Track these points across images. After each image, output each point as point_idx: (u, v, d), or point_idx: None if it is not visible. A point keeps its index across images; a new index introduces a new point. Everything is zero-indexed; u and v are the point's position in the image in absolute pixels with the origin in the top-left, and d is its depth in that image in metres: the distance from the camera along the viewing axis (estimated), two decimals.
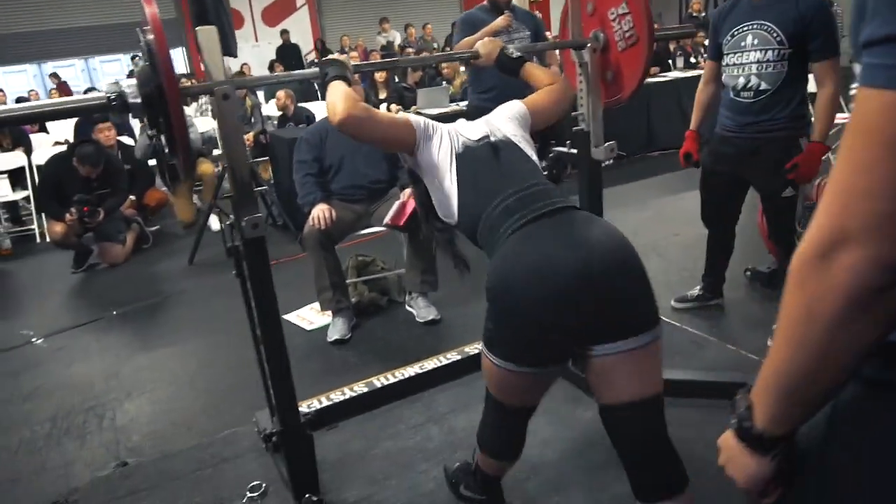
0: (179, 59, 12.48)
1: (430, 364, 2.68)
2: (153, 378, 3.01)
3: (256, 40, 12.57)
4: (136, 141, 5.46)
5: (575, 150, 2.22)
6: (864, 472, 0.72)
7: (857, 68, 0.60)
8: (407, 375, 2.62)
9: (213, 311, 3.76)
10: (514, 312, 1.34)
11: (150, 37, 1.39)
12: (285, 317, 3.50)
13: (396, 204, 3.16)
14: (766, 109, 2.50)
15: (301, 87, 7.33)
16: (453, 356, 2.67)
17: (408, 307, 3.41)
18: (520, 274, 1.32)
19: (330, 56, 1.72)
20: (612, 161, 2.22)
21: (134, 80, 1.48)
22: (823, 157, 2.49)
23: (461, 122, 1.68)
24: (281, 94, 6.40)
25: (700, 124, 2.89)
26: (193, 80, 8.45)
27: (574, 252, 1.31)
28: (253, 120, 6.44)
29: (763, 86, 2.48)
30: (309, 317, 3.47)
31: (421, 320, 3.26)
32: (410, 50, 9.95)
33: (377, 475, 2.13)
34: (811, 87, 2.52)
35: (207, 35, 1.52)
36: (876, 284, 0.58)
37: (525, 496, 1.99)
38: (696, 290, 3.09)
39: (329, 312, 3.24)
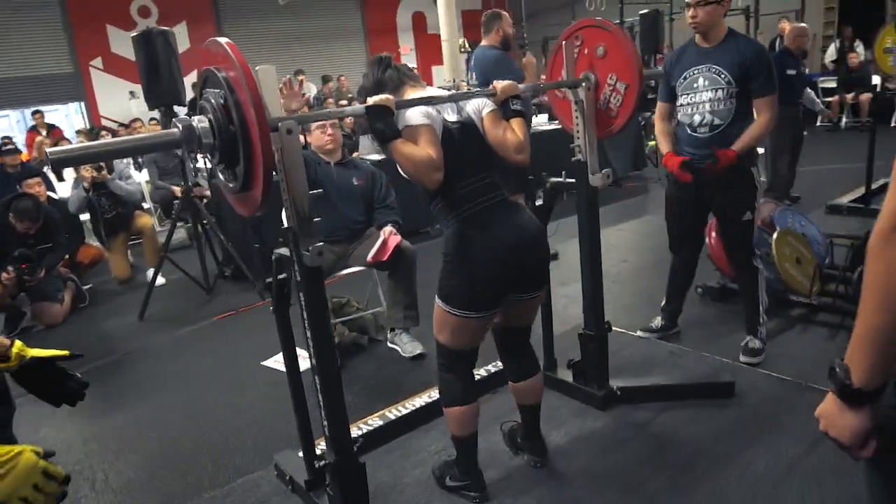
0: (77, 114, 11.95)
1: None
2: (139, 435, 2.87)
3: None
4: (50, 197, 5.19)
5: (572, 180, 2.42)
6: None
7: None
8: (417, 405, 2.68)
9: (182, 365, 3.63)
10: (475, 270, 1.89)
11: (232, 73, 1.45)
12: (265, 363, 3.46)
13: (378, 241, 3.24)
14: (721, 142, 2.82)
15: None
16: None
17: (390, 344, 3.46)
18: (479, 244, 1.89)
19: (371, 101, 1.79)
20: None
21: (200, 117, 1.52)
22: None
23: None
24: None
25: (672, 146, 3.07)
26: (105, 132, 8.14)
27: (513, 232, 1.92)
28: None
29: (716, 121, 2.81)
30: None
31: (407, 355, 3.32)
32: (330, 101, 10.07)
33: (418, 501, 2.16)
34: None
35: (266, 73, 1.57)
36: None
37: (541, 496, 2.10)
38: (657, 321, 3.30)
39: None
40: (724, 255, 3.39)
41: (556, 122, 6.65)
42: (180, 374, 3.50)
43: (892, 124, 4.88)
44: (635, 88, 2.26)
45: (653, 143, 7.82)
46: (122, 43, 11.97)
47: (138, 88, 12.37)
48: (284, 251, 1.90)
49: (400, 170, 1.89)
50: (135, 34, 4.27)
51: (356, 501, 1.89)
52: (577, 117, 2.33)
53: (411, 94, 1.96)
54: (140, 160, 6.52)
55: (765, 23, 10.21)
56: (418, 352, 3.31)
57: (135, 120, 9.51)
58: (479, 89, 2.04)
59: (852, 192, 5.16)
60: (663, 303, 3.32)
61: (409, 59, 15.52)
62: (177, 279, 4.71)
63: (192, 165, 4.97)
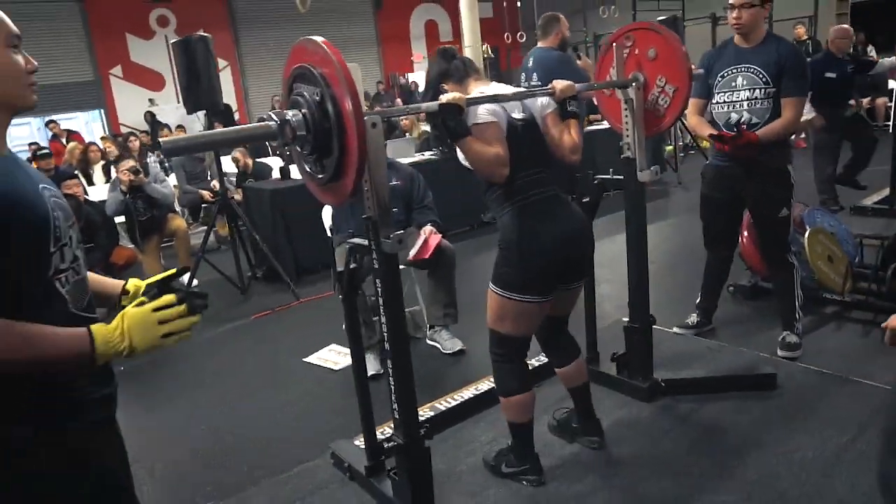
0: (97, 122, 12.12)
1: (484, 385, 2.83)
2: (186, 428, 2.94)
3: (178, 101, 12.41)
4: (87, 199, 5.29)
5: (620, 177, 2.49)
6: None
7: None
8: (466, 397, 2.75)
9: (222, 362, 3.71)
10: (533, 257, 1.99)
11: (327, 70, 1.53)
12: (307, 360, 3.53)
13: (420, 240, 3.31)
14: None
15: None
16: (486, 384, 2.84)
17: (429, 341, 3.53)
18: (537, 233, 2.00)
19: (444, 98, 1.88)
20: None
21: (294, 111, 1.60)
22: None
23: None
24: (237, 153, 6.45)
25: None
26: (134, 138, 8.27)
27: (563, 224, 2.04)
28: (210, 176, 6.40)
29: (754, 120, 2.88)
30: (332, 358, 3.51)
31: (447, 352, 3.39)
32: None
33: (475, 488, 2.23)
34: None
35: (354, 71, 1.65)
36: None
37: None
38: (693, 318, 3.36)
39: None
40: (755, 253, 3.47)
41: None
42: (221, 371, 3.58)
43: None
44: (684, 91, 2.35)
45: (670, 147, 7.91)
46: (141, 51, 12.19)
47: (157, 96, 12.62)
48: (359, 241, 1.98)
49: (464, 162, 1.98)
50: (175, 40, 4.37)
51: (422, 483, 1.96)
52: (626, 116, 2.41)
53: (475, 85, 2.05)
54: (168, 164, 6.62)
55: (778, 29, 10.29)
56: (458, 348, 3.38)
57: (163, 127, 9.66)
58: (540, 88, 2.12)
59: (876, 194, 5.22)
60: (698, 300, 3.38)
61: (421, 66, 15.67)
62: (209, 280, 4.79)
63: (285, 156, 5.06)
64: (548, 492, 2.17)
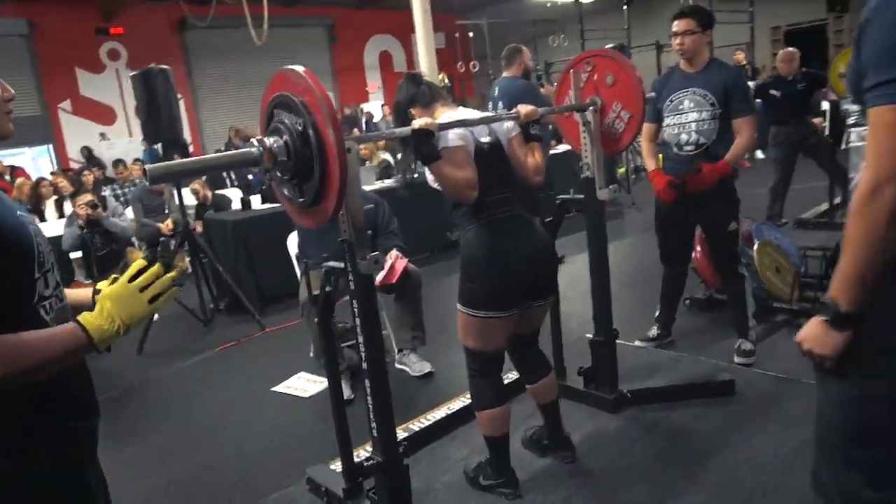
0: (44, 157, 11.83)
1: (456, 404, 2.88)
2: (159, 462, 2.90)
3: (131, 135, 12.25)
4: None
5: (580, 196, 2.61)
6: None
7: (853, 107, 1.12)
8: (438, 417, 2.79)
9: (190, 395, 3.67)
10: (496, 274, 2.06)
11: (308, 98, 1.59)
12: (276, 389, 3.52)
13: (386, 265, 3.36)
14: (705, 160, 3.05)
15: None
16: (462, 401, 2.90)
17: (398, 365, 3.56)
18: (500, 251, 2.07)
19: (416, 124, 1.95)
20: None
21: (275, 138, 1.65)
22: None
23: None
24: (197, 184, 6.41)
25: (656, 164, 3.31)
26: (87, 172, 8.12)
27: (526, 243, 2.11)
28: (168, 209, 6.33)
29: (702, 140, 3.04)
30: (301, 385, 3.51)
31: (417, 374, 3.43)
32: None
33: (453, 502, 2.27)
34: None
35: (330, 101, 1.72)
36: None
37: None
38: (654, 331, 3.49)
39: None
40: (708, 267, 3.63)
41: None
42: (190, 404, 3.54)
43: (842, 146, 5.30)
44: (637, 119, 2.48)
45: (622, 169, 8.17)
46: (91, 85, 12.01)
47: (108, 130, 12.40)
48: (334, 264, 2.02)
49: (433, 184, 2.06)
50: (134, 73, 4.37)
51: (402, 501, 1.98)
52: (584, 137, 2.53)
53: (442, 110, 2.14)
54: (124, 199, 6.53)
55: (718, 54, 10.80)
56: (427, 370, 3.42)
57: (118, 161, 9.52)
58: (505, 113, 2.22)
59: (816, 208, 5.51)
60: (657, 313, 3.51)
61: (376, 96, 15.85)
62: (171, 313, 4.72)
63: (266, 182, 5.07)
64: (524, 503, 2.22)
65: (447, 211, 2.21)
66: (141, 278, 1.17)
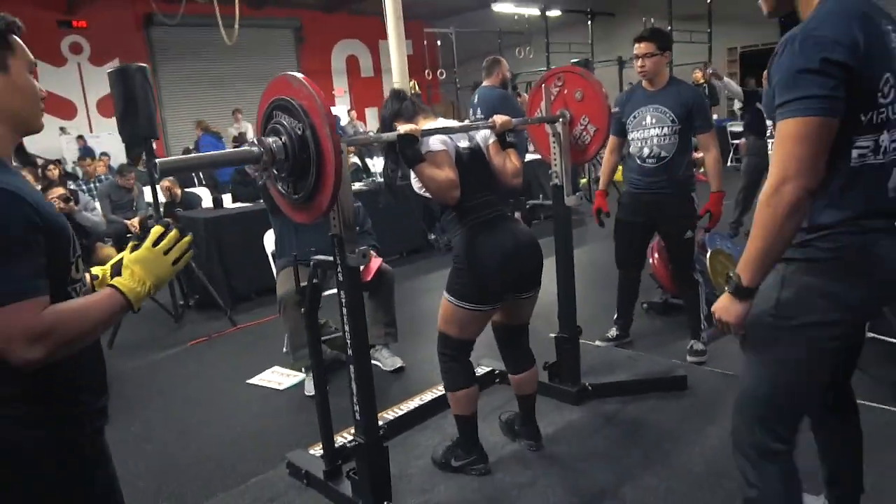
0: None
1: (428, 396, 3.03)
2: (136, 449, 2.96)
3: (91, 131, 12.05)
4: None
5: (549, 202, 2.79)
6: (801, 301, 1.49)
7: (769, 122, 1.44)
8: (412, 407, 2.93)
9: (164, 387, 3.72)
10: (482, 269, 2.23)
11: (307, 102, 1.72)
12: (251, 381, 3.60)
13: None
14: (664, 171, 3.28)
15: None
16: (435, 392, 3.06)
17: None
18: (485, 248, 2.23)
19: (402, 129, 2.12)
20: None
21: (275, 138, 1.78)
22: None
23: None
24: (167, 181, 6.42)
25: (605, 185, 3.62)
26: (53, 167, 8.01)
27: (512, 239, 2.26)
28: (136, 206, 6.33)
29: (663, 153, 3.27)
30: (275, 379, 3.60)
31: (389, 369, 3.56)
32: None
33: (425, 486, 2.41)
34: None
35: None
36: (801, 198, 1.35)
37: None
38: (613, 332, 3.71)
39: (302, 369, 3.43)
40: (665, 272, 3.87)
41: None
42: (165, 395, 3.59)
43: None
44: (603, 132, 2.69)
45: (584, 180, 8.45)
46: (52, 79, 11.75)
47: (69, 125, 12.17)
48: (322, 257, 2.15)
49: (418, 190, 2.22)
50: (110, 70, 4.39)
51: (382, 481, 2.12)
52: (554, 147, 2.71)
53: (424, 122, 2.30)
54: (93, 193, 6.49)
55: (678, 73, 11.24)
56: (399, 365, 3.56)
57: (82, 158, 9.40)
58: (482, 121, 2.39)
59: None
60: (616, 316, 3.72)
61: (343, 100, 15.90)
62: (142, 308, 4.74)
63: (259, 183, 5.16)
64: (493, 483, 2.38)
65: (417, 216, 2.38)
66: (164, 242, 1.30)
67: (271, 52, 14.31)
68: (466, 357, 2.41)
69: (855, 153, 1.43)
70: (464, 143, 2.30)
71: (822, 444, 1.86)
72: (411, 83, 7.94)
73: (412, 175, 2.24)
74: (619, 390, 2.96)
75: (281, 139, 1.77)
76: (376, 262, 3.53)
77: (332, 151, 1.70)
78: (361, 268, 3.42)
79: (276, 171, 1.84)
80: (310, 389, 3.32)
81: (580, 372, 2.95)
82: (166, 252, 1.32)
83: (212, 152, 1.98)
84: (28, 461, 1.23)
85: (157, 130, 4.39)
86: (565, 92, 2.73)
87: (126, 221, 6.14)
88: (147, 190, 7.15)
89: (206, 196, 6.36)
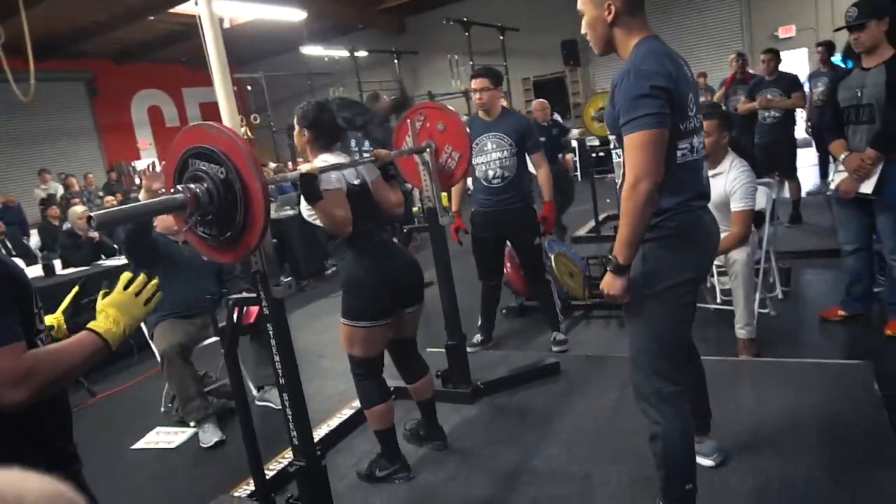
0: None
1: (335, 421, 3.16)
2: None
3: None
4: None
5: (426, 224, 3.10)
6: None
7: (612, 136, 1.97)
8: (322, 435, 3.05)
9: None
10: (374, 289, 2.46)
11: (229, 150, 1.86)
12: (136, 447, 3.45)
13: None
14: (509, 189, 3.74)
15: None
16: (347, 412, 3.21)
17: (259, 402, 3.70)
18: (379, 268, 2.47)
19: (302, 169, 2.29)
20: None
21: (197, 184, 1.88)
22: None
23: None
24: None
25: (458, 207, 4.01)
26: None
27: (394, 262, 2.54)
28: None
29: (506, 174, 3.73)
30: (163, 439, 3.48)
31: (280, 408, 3.59)
32: (77, 200, 9.47)
33: (361, 500, 2.56)
34: None
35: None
36: (653, 191, 1.77)
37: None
38: (478, 338, 4.08)
39: (192, 423, 3.37)
40: (518, 279, 4.35)
41: None
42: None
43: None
44: (466, 157, 3.05)
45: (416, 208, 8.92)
46: None
47: None
48: (239, 295, 2.24)
49: (308, 218, 2.43)
50: None
51: (325, 501, 2.24)
52: (424, 175, 3.02)
53: (321, 155, 2.49)
54: None
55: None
56: None
57: None
58: (367, 157, 2.63)
59: (585, 226, 6.67)
60: (479, 322, 4.10)
61: (149, 153, 15.06)
62: None
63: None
64: (420, 485, 2.59)
65: (322, 240, 2.56)
66: (134, 285, 1.42)
67: (63, 108, 13.22)
68: (378, 374, 2.61)
69: (679, 154, 1.90)
70: (355, 180, 2.53)
71: (686, 383, 2.33)
72: (243, 128, 7.88)
73: (303, 205, 2.43)
74: (506, 384, 3.32)
75: (204, 185, 1.88)
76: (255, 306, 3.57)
77: (260, 191, 1.85)
78: (244, 311, 3.52)
79: (199, 217, 1.93)
80: (207, 441, 3.29)
81: (470, 373, 3.26)
82: (137, 294, 1.42)
83: (140, 203, 2.01)
84: None
85: None
86: (427, 125, 3.06)
87: None
88: None
89: (22, 265, 5.79)
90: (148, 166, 3.09)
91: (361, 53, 13.26)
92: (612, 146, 5.51)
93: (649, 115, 1.77)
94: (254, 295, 2.17)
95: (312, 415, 3.45)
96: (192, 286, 3.58)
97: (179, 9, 10.22)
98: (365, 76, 13.30)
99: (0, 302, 1.24)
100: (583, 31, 2.01)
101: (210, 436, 3.30)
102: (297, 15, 9.87)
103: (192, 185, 1.88)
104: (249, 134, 9.74)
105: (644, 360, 1.99)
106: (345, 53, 12.73)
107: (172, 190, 1.88)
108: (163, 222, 3.65)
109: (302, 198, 2.45)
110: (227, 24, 7.45)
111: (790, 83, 5.61)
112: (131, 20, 10.98)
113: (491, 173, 3.73)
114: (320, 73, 14.25)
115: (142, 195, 3.17)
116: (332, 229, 2.41)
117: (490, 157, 3.73)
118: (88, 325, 1.37)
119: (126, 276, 1.43)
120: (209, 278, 3.69)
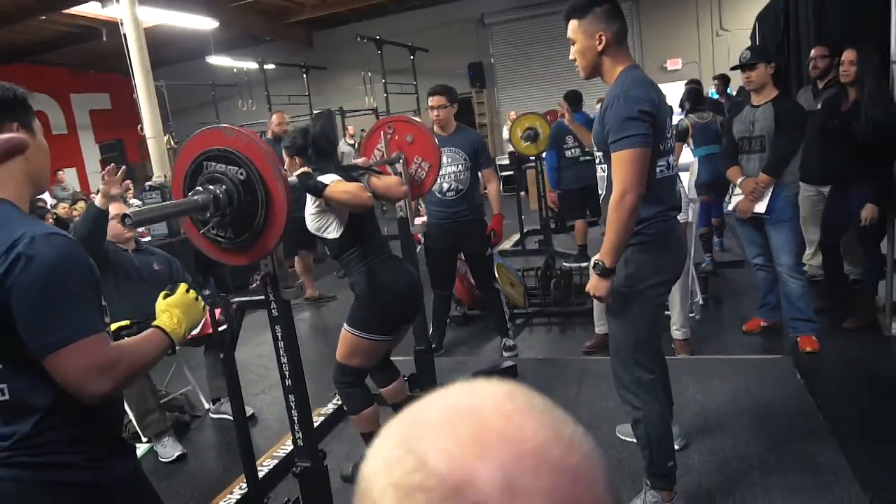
0: None
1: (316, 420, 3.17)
2: None
3: None
4: None
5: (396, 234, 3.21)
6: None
7: (599, 154, 2.19)
8: (285, 454, 3.05)
9: None
10: (387, 304, 2.58)
11: (253, 153, 1.90)
12: None
13: None
14: (463, 202, 3.91)
15: None
16: (316, 419, 3.23)
17: (214, 415, 3.63)
18: (392, 285, 2.58)
19: (302, 171, 2.36)
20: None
21: (217, 185, 1.91)
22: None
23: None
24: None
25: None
26: None
27: (408, 275, 2.69)
28: None
29: (460, 187, 3.90)
30: None
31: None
32: None
33: (346, 502, 2.59)
34: None
35: None
36: (637, 202, 2.00)
37: None
38: (432, 346, 4.22)
39: (148, 438, 3.26)
40: (462, 289, 4.53)
41: None
42: None
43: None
44: (436, 168, 3.20)
45: None
46: None
47: None
48: (242, 298, 2.26)
49: (314, 228, 2.48)
50: None
51: (326, 499, 2.28)
52: None
53: (321, 178, 2.55)
54: None
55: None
56: (250, 412, 3.57)
57: None
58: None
59: (511, 240, 6.98)
60: (431, 331, 4.23)
61: None
62: None
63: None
64: None
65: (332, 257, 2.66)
66: (192, 291, 1.48)
67: None
68: (363, 382, 2.70)
69: (657, 170, 2.15)
70: None
71: (661, 372, 2.56)
72: (166, 138, 7.58)
73: (309, 215, 2.48)
74: None
75: (223, 186, 1.91)
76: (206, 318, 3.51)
77: (283, 192, 1.90)
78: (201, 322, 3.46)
79: (217, 218, 1.95)
80: (168, 455, 3.20)
81: (436, 377, 3.39)
82: (196, 298, 1.48)
83: (169, 202, 1.98)
84: (109, 496, 1.30)
85: None
86: (396, 137, 3.18)
87: None
88: None
89: None
90: (108, 170, 2.99)
91: (270, 66, 13.07)
92: (597, 161, 5.92)
93: (636, 135, 2.01)
94: (261, 297, 2.19)
95: (273, 425, 3.50)
96: (143, 296, 3.45)
97: (77, 9, 9.70)
98: (273, 89, 13.10)
99: (86, 292, 1.26)
100: (571, 57, 2.24)
101: (170, 450, 3.21)
102: (208, 24, 9.63)
103: (211, 187, 1.90)
104: (172, 144, 9.31)
105: (625, 353, 2.21)
106: (253, 65, 12.50)
107: (192, 192, 1.90)
108: (111, 230, 3.51)
109: (308, 209, 2.52)
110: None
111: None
112: (21, 18, 10.26)
113: (446, 186, 3.89)
114: (225, 84, 13.88)
115: (98, 200, 3.07)
116: (353, 204, 2.43)
117: (446, 170, 3.88)
118: (156, 323, 1.41)
119: (184, 285, 1.49)
120: (161, 288, 3.55)
